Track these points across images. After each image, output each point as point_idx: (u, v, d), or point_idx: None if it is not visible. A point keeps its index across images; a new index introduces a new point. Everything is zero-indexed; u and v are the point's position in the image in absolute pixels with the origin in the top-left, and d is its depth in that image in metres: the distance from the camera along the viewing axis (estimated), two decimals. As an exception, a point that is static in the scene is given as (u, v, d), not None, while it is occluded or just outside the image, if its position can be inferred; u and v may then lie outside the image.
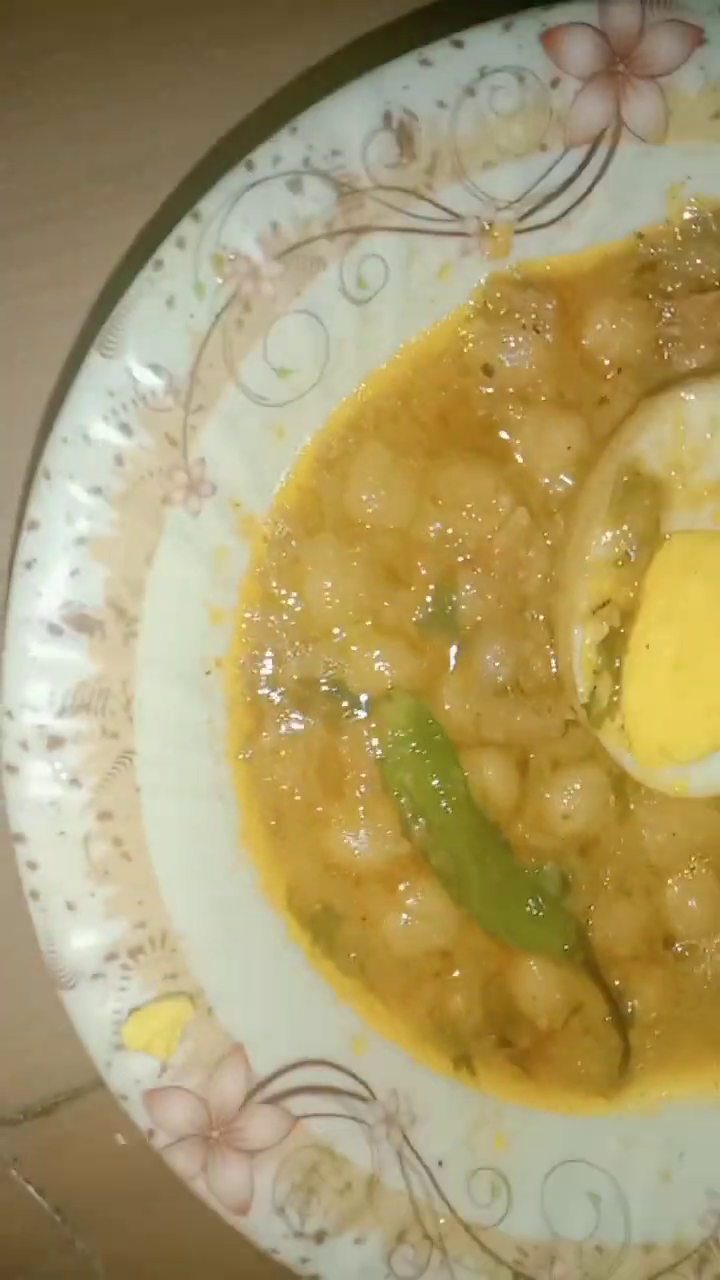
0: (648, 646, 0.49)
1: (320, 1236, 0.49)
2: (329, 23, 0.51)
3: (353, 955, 0.53)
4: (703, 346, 0.52)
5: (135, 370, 0.44)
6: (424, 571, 0.52)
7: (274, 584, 0.51)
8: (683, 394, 0.49)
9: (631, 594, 0.49)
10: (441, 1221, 0.51)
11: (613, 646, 0.50)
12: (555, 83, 0.47)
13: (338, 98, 0.45)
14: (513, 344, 0.51)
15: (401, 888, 0.52)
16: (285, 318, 0.47)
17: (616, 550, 0.49)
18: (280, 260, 0.46)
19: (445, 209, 0.48)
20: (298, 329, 0.47)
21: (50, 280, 0.51)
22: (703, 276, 0.51)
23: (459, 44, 0.46)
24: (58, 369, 0.51)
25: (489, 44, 0.46)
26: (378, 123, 0.45)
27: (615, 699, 0.50)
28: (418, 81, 0.45)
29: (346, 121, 0.45)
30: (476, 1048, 0.54)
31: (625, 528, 0.49)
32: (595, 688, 0.50)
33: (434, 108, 0.46)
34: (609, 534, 0.49)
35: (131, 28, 0.55)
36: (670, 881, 0.53)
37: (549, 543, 0.52)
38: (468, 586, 0.52)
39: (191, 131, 0.52)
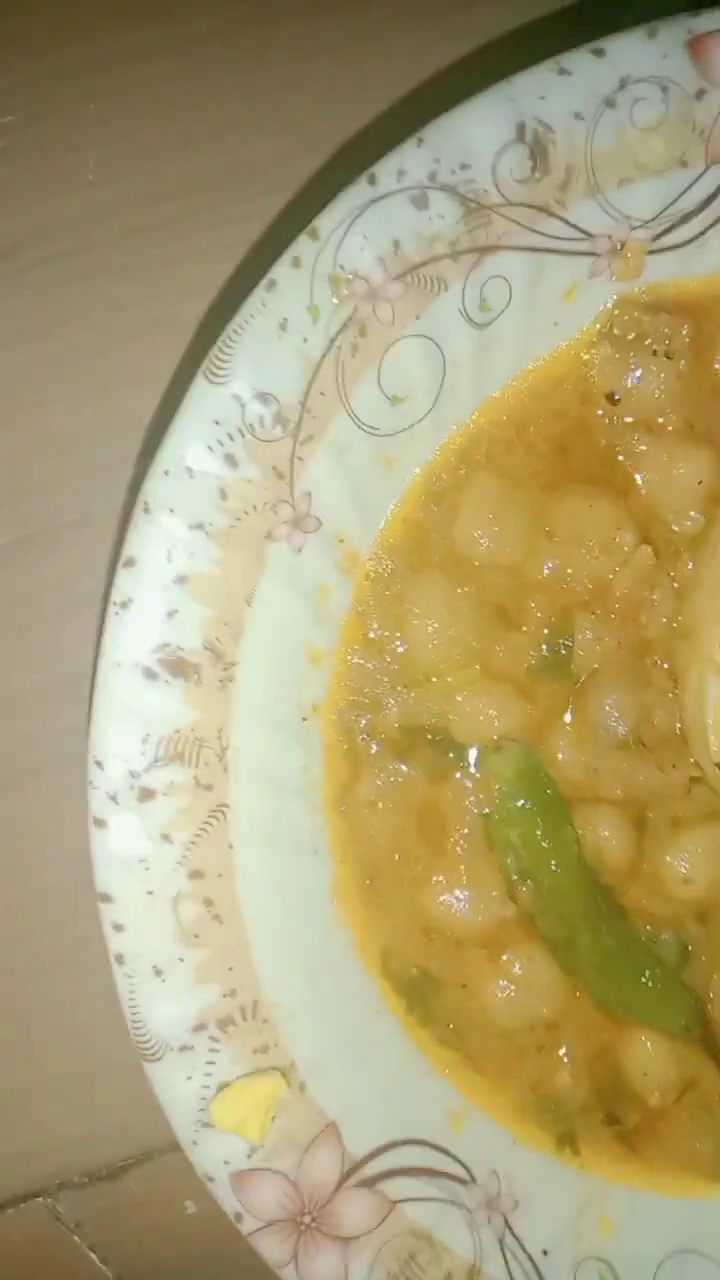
0: None
1: (417, 1330, 0.46)
2: (455, 24, 0.48)
3: (451, 1025, 0.50)
4: None
5: (244, 398, 0.41)
6: (538, 613, 0.49)
7: (376, 625, 0.48)
8: None
9: None
10: (543, 1314, 0.48)
11: None
12: (701, 94, 0.43)
13: (468, 107, 0.42)
14: (641, 370, 0.48)
15: (505, 954, 0.49)
16: (402, 342, 0.44)
17: (753, 597, 0.46)
18: (400, 281, 0.42)
19: (577, 227, 0.44)
20: (414, 354, 0.44)
21: (151, 295, 0.48)
22: None
23: (600, 52, 0.42)
24: (159, 392, 0.48)
25: (632, 52, 0.42)
26: (510, 135, 0.42)
27: None
28: (554, 91, 0.42)
29: (477, 133, 0.42)
30: (582, 1126, 0.51)
31: (763, 572, 0.45)
32: None
33: (570, 119, 0.43)
34: (744, 579, 0.45)
35: (225, 33, 0.52)
36: None
37: (675, 584, 0.49)
38: (585, 630, 0.48)
39: (296, 141, 0.49)
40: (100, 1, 0.53)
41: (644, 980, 0.49)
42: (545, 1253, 0.48)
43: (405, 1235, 0.46)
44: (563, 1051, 0.50)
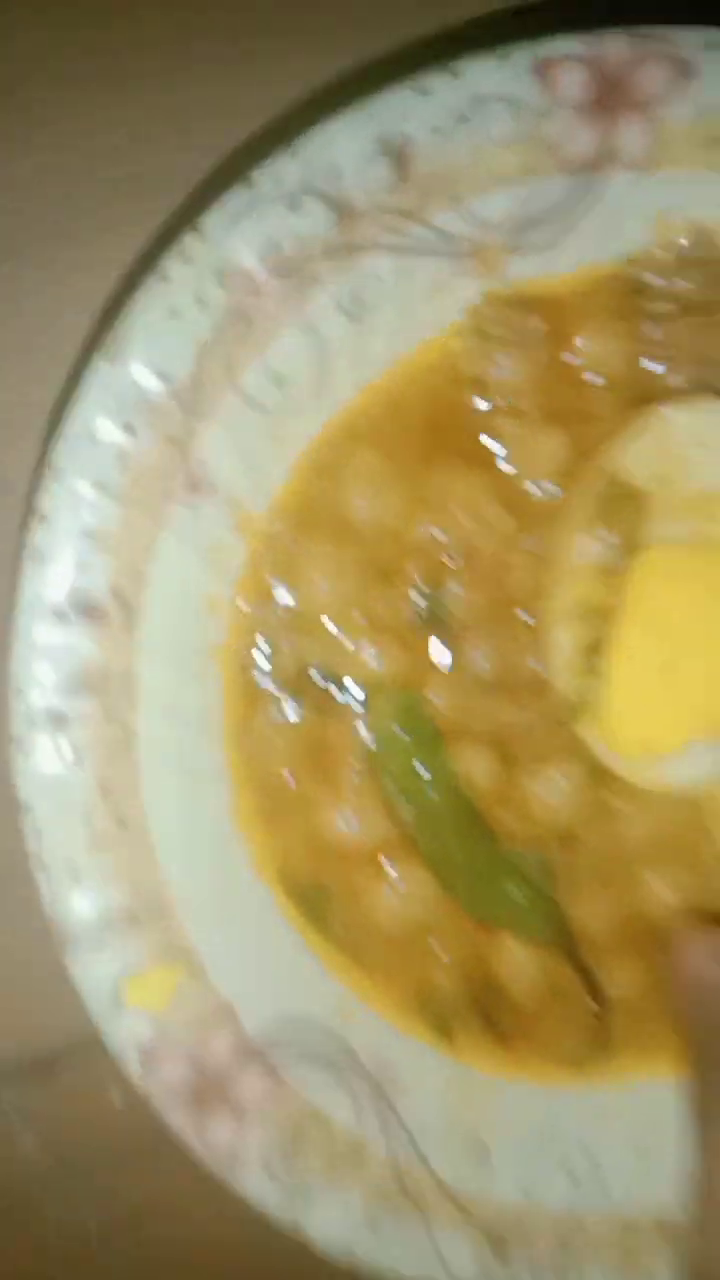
0: (628, 649, 0.52)
1: (307, 1192, 0.52)
2: (332, 50, 0.54)
3: (341, 931, 0.56)
4: (686, 365, 0.54)
5: (138, 374, 0.48)
6: (414, 572, 0.55)
7: (269, 579, 0.54)
8: (665, 411, 0.51)
9: (613, 599, 0.52)
10: (423, 1184, 0.54)
11: (594, 648, 0.52)
12: (547, 112, 0.49)
13: (337, 122, 0.48)
14: (502, 359, 0.53)
15: (388, 869, 0.55)
16: (285, 331, 0.50)
17: (599, 558, 0.52)
18: (280, 277, 0.49)
19: (439, 230, 0.50)
20: (296, 341, 0.50)
21: (56, 292, 0.54)
22: (687, 300, 0.54)
23: (455, 73, 0.48)
24: (63, 377, 0.54)
25: (484, 74, 0.48)
26: (375, 147, 0.48)
27: (596, 697, 0.53)
28: (415, 109, 0.48)
29: (345, 146, 0.48)
30: (457, 1020, 0.57)
31: (608, 536, 0.52)
32: (577, 686, 0.53)
33: (430, 134, 0.48)
34: (592, 542, 0.52)
35: (141, 48, 0.58)
36: (645, 871, 0.56)
37: (533, 548, 0.54)
38: (456, 587, 0.54)
39: (195, 152, 0.55)
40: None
41: (509, 893, 0.56)
42: (422, 1129, 0.55)
43: (297, 1108, 0.53)
44: (441, 955, 0.56)
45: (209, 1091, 0.52)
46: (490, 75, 0.48)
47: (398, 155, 0.48)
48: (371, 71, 0.54)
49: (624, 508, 0.52)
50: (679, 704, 0.52)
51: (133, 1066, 0.51)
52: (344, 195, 0.48)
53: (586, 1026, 0.57)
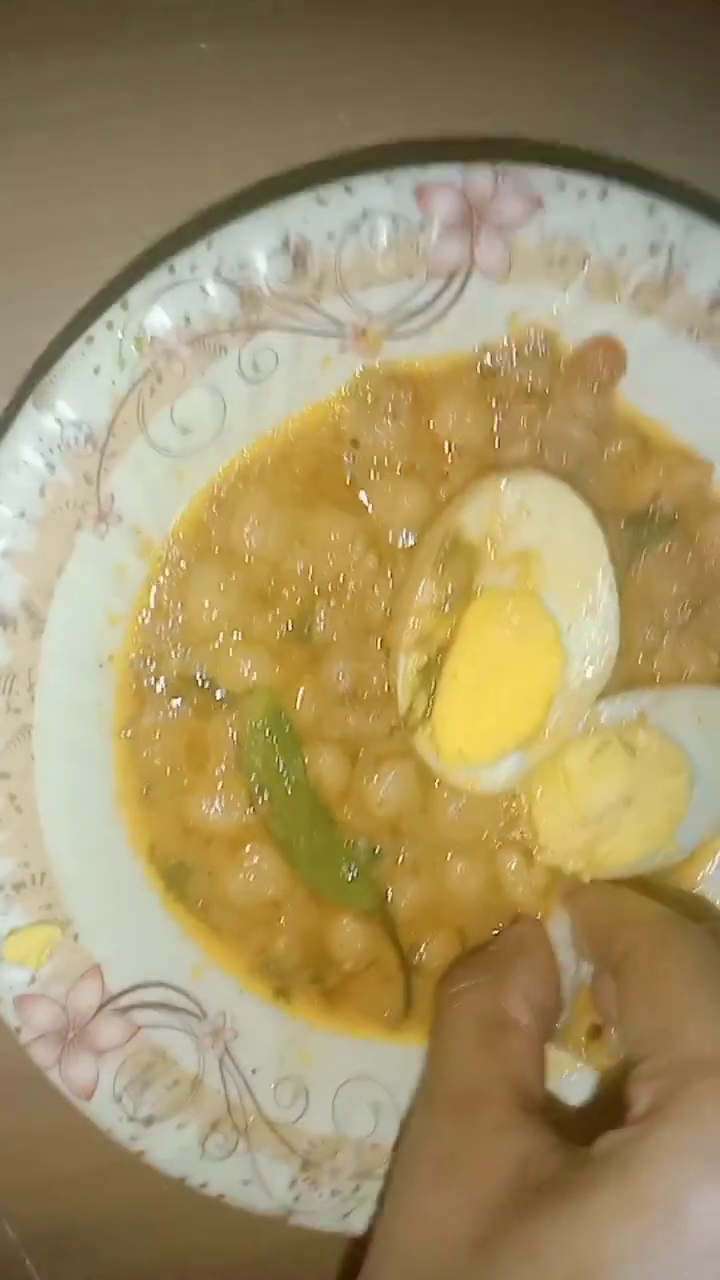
0: (456, 674, 0.61)
1: (149, 1121, 0.61)
2: (247, 165, 0.63)
3: (199, 901, 0.64)
4: (524, 442, 0.64)
5: (63, 421, 0.55)
6: (289, 598, 0.63)
7: (165, 597, 0.62)
8: (500, 481, 0.61)
9: (447, 632, 0.62)
10: (250, 1118, 0.63)
11: (429, 672, 0.62)
12: (423, 227, 0.58)
13: (247, 221, 0.56)
14: (376, 425, 0.62)
15: (245, 849, 0.64)
16: (191, 389, 0.58)
17: (437, 598, 0.61)
18: (190, 345, 0.56)
19: (328, 316, 0.59)
20: (200, 398, 0.58)
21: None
22: (530, 387, 0.64)
23: (349, 189, 0.57)
24: None
25: (373, 191, 0.57)
26: (279, 245, 0.56)
27: (428, 713, 0.62)
28: (313, 216, 0.56)
29: (253, 242, 0.56)
30: (294, 982, 0.66)
31: (445, 581, 0.61)
32: (413, 703, 0.62)
33: (324, 238, 0.57)
34: (433, 584, 0.62)
35: (92, 118, 0.65)
36: (455, 859, 0.66)
37: (391, 584, 0.64)
38: (323, 613, 0.63)
39: (128, 236, 0.63)
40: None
41: (343, 873, 0.65)
42: (254, 1071, 0.64)
43: (146, 1051, 0.61)
44: (283, 924, 0.65)
45: (73, 1035, 0.60)
46: (378, 193, 0.57)
47: (297, 253, 0.57)
48: (279, 183, 0.62)
49: (460, 559, 0.62)
50: (492, 725, 0.63)
51: (6, 1009, 0.59)
52: (249, 283, 0.56)
53: (398, 990, 0.67)
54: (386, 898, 0.66)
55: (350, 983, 0.67)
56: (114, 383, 0.56)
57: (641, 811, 0.64)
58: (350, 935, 0.66)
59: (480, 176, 0.58)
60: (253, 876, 0.64)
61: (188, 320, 0.56)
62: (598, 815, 0.64)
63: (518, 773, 0.63)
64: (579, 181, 0.59)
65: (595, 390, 0.64)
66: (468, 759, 0.63)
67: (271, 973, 0.66)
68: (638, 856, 0.65)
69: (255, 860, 0.64)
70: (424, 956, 0.67)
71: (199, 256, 0.55)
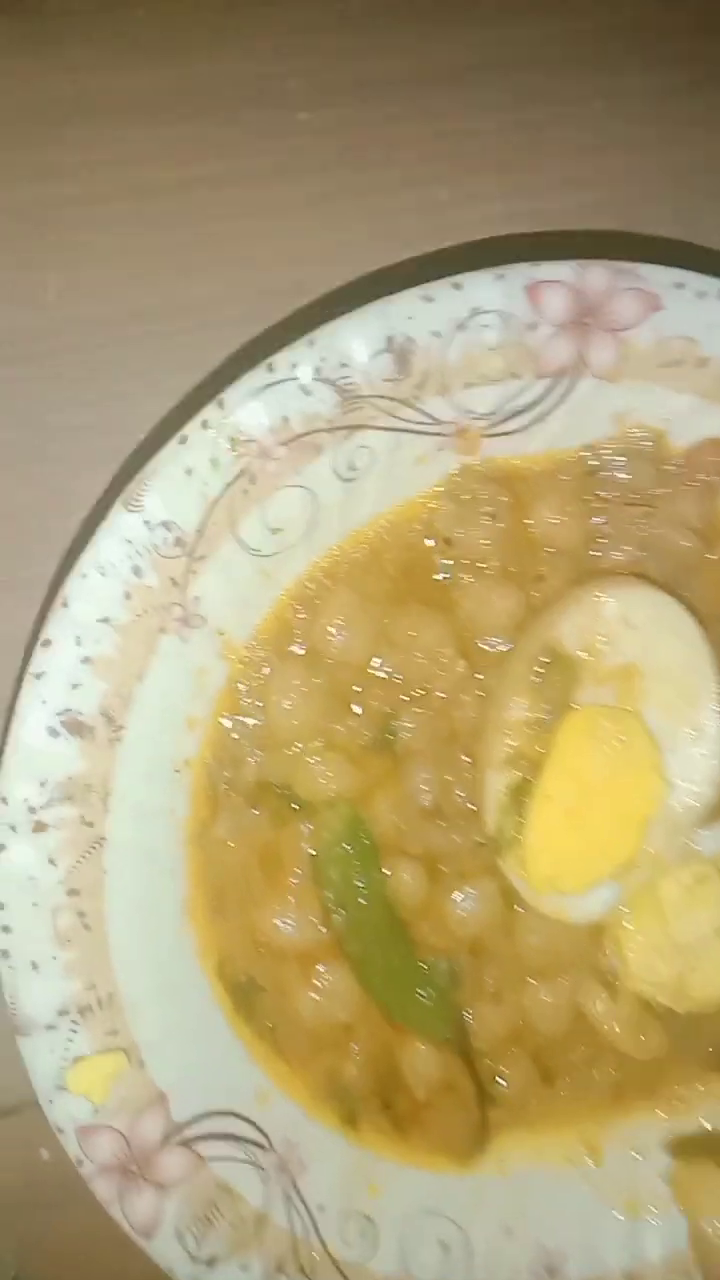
0: (550, 795, 0.58)
1: (212, 1261, 0.58)
2: (350, 260, 0.60)
3: (268, 1022, 0.61)
4: (626, 547, 0.61)
5: (152, 524, 0.53)
6: (374, 703, 0.60)
7: (244, 700, 0.59)
8: (598, 594, 0.58)
9: (541, 749, 0.58)
10: (315, 1256, 0.60)
11: (520, 791, 0.59)
12: (533, 326, 0.55)
13: (350, 319, 0.53)
14: (471, 524, 0.59)
15: (318, 968, 0.61)
16: (284, 489, 0.55)
17: (532, 713, 0.58)
18: (286, 446, 0.54)
19: (429, 415, 0.56)
20: (293, 499, 0.56)
21: (71, 451, 0.60)
22: (634, 490, 0.61)
23: (458, 286, 0.54)
24: (84, 511, 0.59)
25: (483, 289, 0.54)
26: (382, 344, 0.54)
27: (518, 834, 0.59)
28: (419, 313, 0.54)
29: (355, 341, 0.53)
30: (362, 1109, 0.62)
31: (541, 695, 0.58)
32: (502, 823, 0.59)
33: (430, 336, 0.54)
34: (527, 699, 0.58)
35: (182, 189, 0.63)
36: (538, 986, 0.62)
37: (480, 693, 0.60)
38: (409, 721, 0.60)
39: (226, 313, 0.60)
40: (63, 143, 0.63)
41: (420, 997, 0.61)
42: (321, 1207, 0.60)
43: (211, 1186, 0.58)
44: (354, 1049, 0.62)
45: (135, 1167, 0.56)
46: (488, 290, 0.54)
47: (400, 352, 0.54)
48: (383, 279, 0.60)
49: (557, 672, 0.59)
50: (586, 851, 0.59)
51: (69, 1141, 0.55)
52: (350, 383, 0.54)
53: (473, 1121, 0.63)
54: (464, 1023, 0.62)
55: (422, 1111, 0.63)
56: (207, 484, 0.53)
57: None
58: (424, 1061, 0.62)
59: (595, 275, 0.55)
60: (324, 996, 0.61)
61: (285, 420, 0.53)
62: (691, 947, 0.61)
63: (610, 903, 0.60)
64: (699, 282, 0.56)
65: (704, 494, 0.61)
66: (559, 886, 0.59)
67: (340, 1099, 0.63)
68: None
69: (328, 979, 0.61)
70: (502, 1086, 0.64)
71: (300, 354, 0.53)
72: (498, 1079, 0.64)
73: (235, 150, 0.64)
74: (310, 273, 0.61)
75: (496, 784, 0.59)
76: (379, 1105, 0.63)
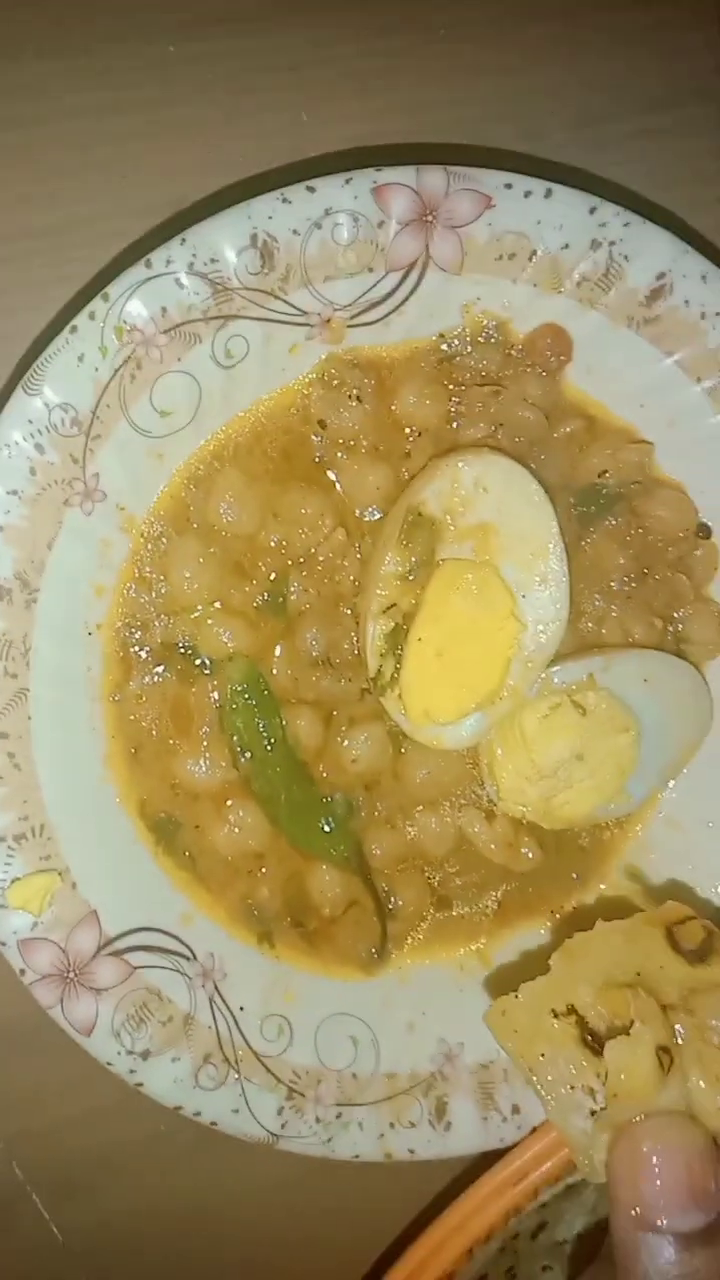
0: (420, 639, 0.65)
1: (145, 1055, 0.66)
2: (218, 169, 0.67)
3: (187, 853, 0.68)
4: (480, 424, 0.68)
5: (50, 405, 0.60)
6: (264, 570, 0.68)
7: (147, 569, 0.66)
8: (458, 461, 0.66)
9: (412, 600, 0.66)
10: (239, 1051, 0.68)
11: (395, 638, 0.66)
12: (381, 224, 0.63)
13: (218, 219, 0.60)
14: (341, 407, 0.67)
15: (229, 804, 0.68)
16: (169, 375, 0.62)
17: (402, 568, 0.66)
18: (167, 334, 0.61)
19: (295, 307, 0.64)
20: (178, 383, 0.63)
21: None
22: (484, 372, 0.69)
23: (312, 189, 0.61)
24: None
25: (334, 191, 0.61)
26: (247, 241, 0.61)
27: (395, 676, 0.67)
28: (279, 213, 0.61)
29: (223, 238, 0.60)
30: (276, 927, 0.70)
31: (409, 552, 0.66)
32: (381, 667, 0.66)
33: (290, 234, 0.61)
34: (397, 556, 0.66)
35: (64, 119, 0.70)
36: (425, 812, 0.71)
37: (359, 556, 0.68)
38: (296, 584, 0.67)
39: (107, 227, 0.67)
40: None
41: (321, 826, 0.69)
42: (241, 1009, 0.69)
43: (141, 990, 0.66)
44: (265, 872, 0.69)
45: (72, 975, 0.64)
46: (338, 192, 0.62)
47: (264, 248, 0.61)
48: (247, 185, 0.67)
49: (422, 531, 0.67)
50: (455, 686, 0.67)
51: (11, 953, 0.63)
52: (220, 276, 0.61)
53: (375, 934, 0.71)
54: (362, 848, 0.71)
55: (329, 927, 0.71)
56: (97, 369, 0.60)
57: (593, 766, 0.68)
58: (329, 883, 0.70)
59: (433, 177, 0.63)
60: (237, 830, 0.69)
61: (164, 310, 0.61)
62: (552, 770, 0.68)
63: (478, 730, 0.68)
64: (525, 183, 0.64)
65: (544, 375, 0.69)
66: (433, 718, 0.67)
67: (255, 919, 0.70)
68: (591, 808, 0.70)
69: (239, 815, 0.69)
70: (399, 903, 0.72)
71: (174, 251, 0.60)
72: (394, 897, 0.72)
73: (114, 83, 0.71)
74: (187, 185, 0.68)
75: (375, 632, 0.67)
76: (291, 923, 0.70)
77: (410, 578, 0.66)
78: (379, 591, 0.67)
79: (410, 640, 0.66)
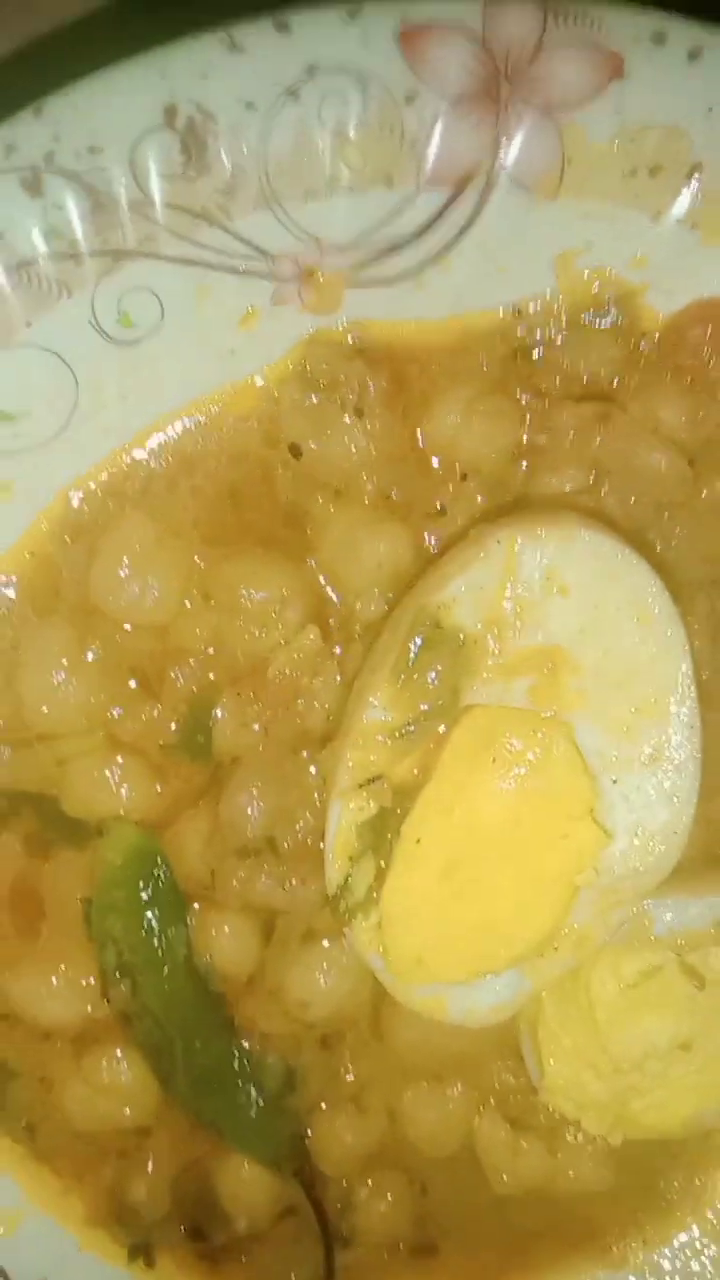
0: (419, 841, 0.43)
1: None
2: None
3: (23, 1120, 0.48)
4: (570, 470, 0.44)
5: None
6: (180, 683, 0.46)
7: (-16, 668, 0.45)
8: (517, 535, 0.41)
9: (412, 772, 0.43)
10: None
11: (378, 832, 0.43)
12: (411, 98, 0.38)
13: (106, 76, 0.37)
14: (330, 424, 0.44)
15: (91, 1053, 0.46)
16: (13, 350, 0.39)
17: (397, 716, 0.42)
18: (10, 281, 0.37)
19: (248, 242, 0.39)
20: (30, 365, 0.40)
21: None
22: (587, 379, 0.44)
23: (284, 27, 0.37)
24: None
25: (326, 34, 0.37)
26: (158, 118, 0.38)
27: (374, 893, 0.43)
28: (219, 70, 0.37)
29: (114, 111, 0.37)
30: (160, 1237, 0.50)
31: (413, 691, 0.42)
32: (349, 877, 0.44)
33: (240, 109, 0.38)
34: (391, 694, 0.41)
35: None
36: (411, 1093, 0.47)
37: (339, 677, 0.44)
38: (226, 710, 0.45)
39: None
40: None
41: (241, 1103, 0.47)
42: None
43: None
44: (148, 1157, 0.48)
45: None
46: (334, 37, 0.37)
47: (190, 132, 0.37)
48: (161, 16, 0.40)
49: (440, 654, 0.42)
50: (473, 921, 0.44)
51: None
52: (106, 178, 0.37)
53: (315, 1262, 0.49)
54: (304, 1139, 0.48)
55: (249, 1243, 0.50)
56: None
57: (705, 1060, 0.48)
58: (248, 1183, 0.49)
59: (517, 17, 0.38)
60: (101, 1093, 0.47)
61: (0, 236, 0.37)
62: (636, 1063, 0.47)
63: (509, 1000, 0.46)
64: (687, 31, 0.38)
65: (696, 389, 0.45)
66: (430, 971, 0.45)
67: (129, 1225, 0.49)
68: (688, 1115, 0.49)
69: (109, 1067, 0.47)
70: (355, 1223, 0.49)
71: (20, 131, 0.37)
72: (350, 1214, 0.49)
73: None
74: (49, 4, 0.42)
75: (343, 820, 0.43)
76: (185, 1232, 0.50)
77: (410, 732, 0.42)
78: (358, 750, 0.43)
79: (403, 840, 0.43)
